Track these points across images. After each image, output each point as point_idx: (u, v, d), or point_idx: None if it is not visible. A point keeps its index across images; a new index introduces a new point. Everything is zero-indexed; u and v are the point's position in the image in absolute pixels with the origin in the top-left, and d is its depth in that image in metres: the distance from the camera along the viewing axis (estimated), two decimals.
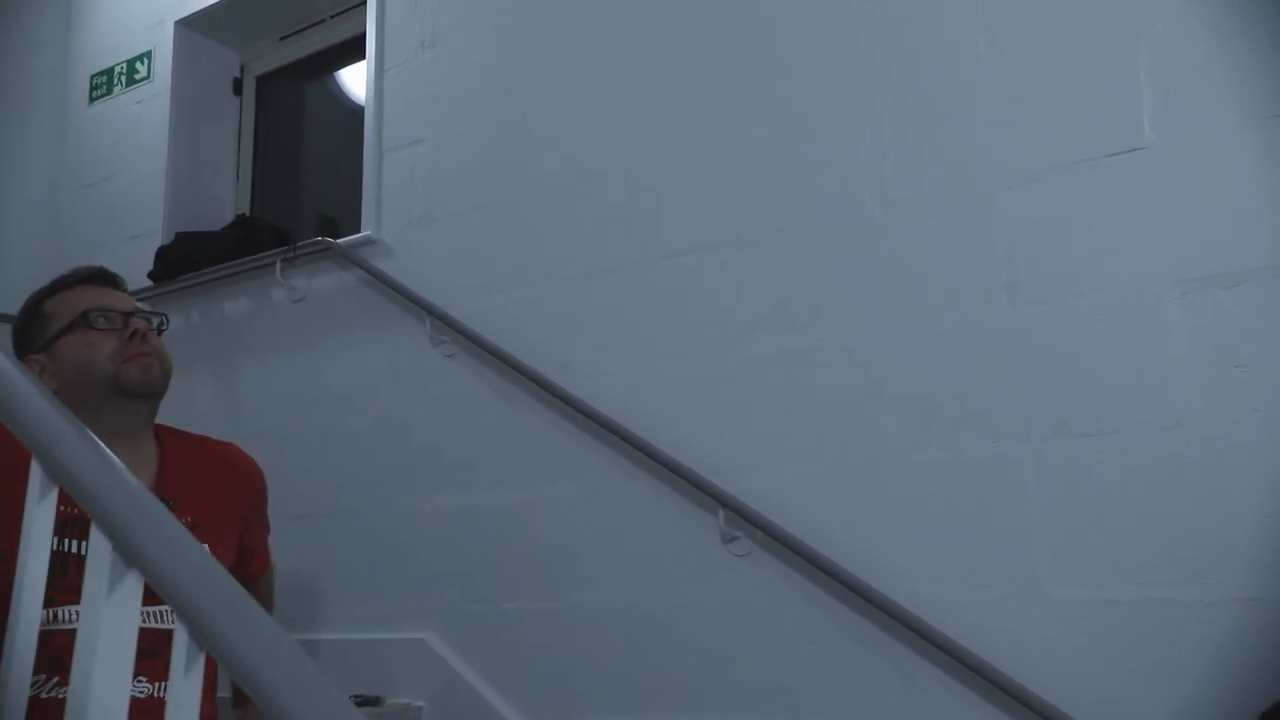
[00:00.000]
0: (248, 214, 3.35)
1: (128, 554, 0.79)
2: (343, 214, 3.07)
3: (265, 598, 1.87)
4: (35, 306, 1.57)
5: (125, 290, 1.64)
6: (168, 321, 1.63)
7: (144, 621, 1.49)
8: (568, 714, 2.19)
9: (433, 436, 2.53)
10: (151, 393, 1.56)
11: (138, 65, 3.53)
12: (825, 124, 2.12)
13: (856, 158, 2.06)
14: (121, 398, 1.52)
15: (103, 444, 0.88)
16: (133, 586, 0.79)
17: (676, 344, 2.23)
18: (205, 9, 3.38)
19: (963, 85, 1.98)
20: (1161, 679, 1.61)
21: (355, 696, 2.36)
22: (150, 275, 3.09)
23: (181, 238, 3.13)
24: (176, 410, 2.93)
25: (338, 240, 2.78)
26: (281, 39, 3.48)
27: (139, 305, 1.60)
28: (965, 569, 1.82)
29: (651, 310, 2.28)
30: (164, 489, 1.55)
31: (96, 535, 0.81)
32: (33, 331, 1.55)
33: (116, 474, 0.82)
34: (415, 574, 2.48)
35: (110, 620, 0.79)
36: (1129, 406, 1.72)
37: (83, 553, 1.44)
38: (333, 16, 3.33)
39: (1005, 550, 1.79)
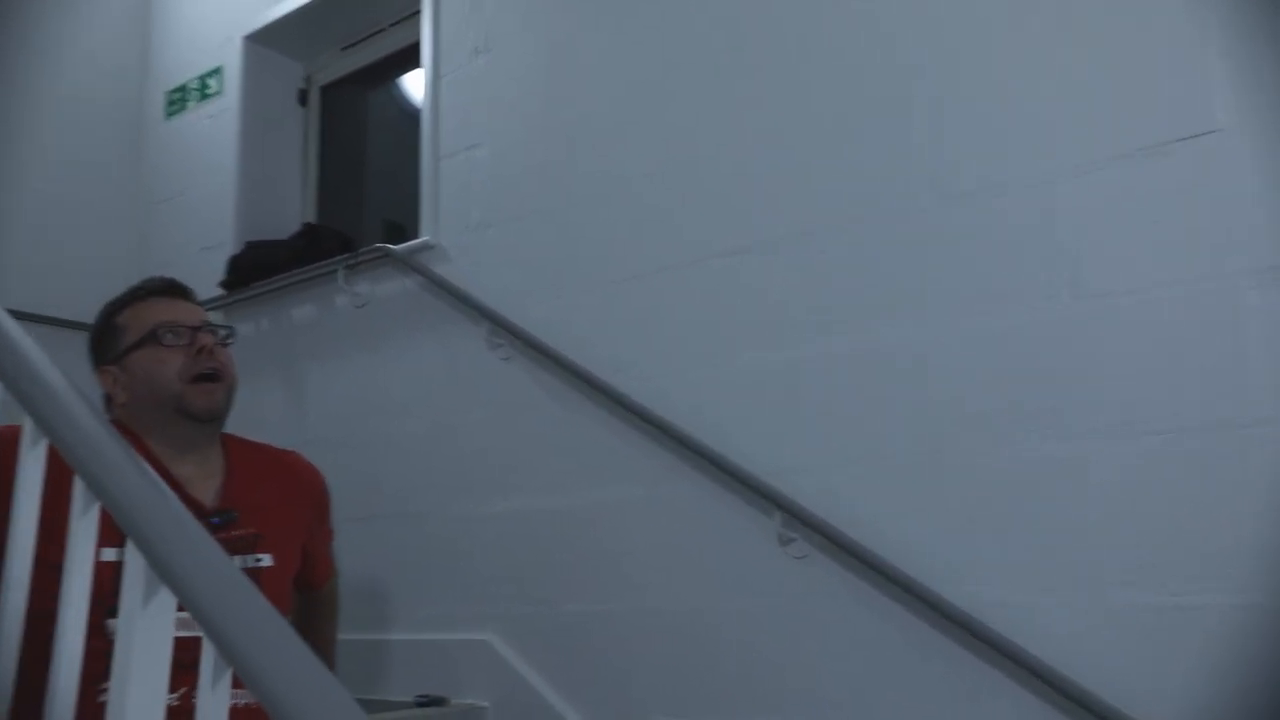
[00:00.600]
0: (314, 222, 3.42)
1: (161, 571, 0.80)
2: (408, 219, 3.12)
3: (330, 603, 1.90)
4: (109, 319, 1.61)
5: (195, 301, 1.68)
6: (234, 334, 1.67)
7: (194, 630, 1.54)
8: (628, 716, 2.19)
9: (491, 440, 2.56)
10: (215, 418, 1.60)
11: (209, 81, 3.64)
12: (875, 116, 2.07)
13: (909, 150, 2.01)
14: (186, 417, 1.57)
15: (143, 462, 0.90)
16: (166, 601, 0.81)
17: (729, 344, 2.20)
18: (271, 23, 3.47)
19: (1020, 69, 1.91)
20: (1231, 689, 1.53)
21: (421, 696, 2.40)
22: (221, 284, 3.18)
23: (251, 247, 3.22)
24: (247, 417, 3.01)
25: (397, 246, 2.82)
26: (344, 49, 3.55)
27: (207, 318, 1.64)
28: (1028, 573, 1.76)
29: (704, 310, 2.26)
30: (229, 500, 1.59)
31: (132, 551, 0.83)
32: (106, 343, 1.59)
33: (151, 493, 0.84)
34: (477, 576, 2.51)
35: (145, 632, 0.81)
36: (1201, 404, 1.64)
37: None
38: (391, 25, 3.38)
39: (1069, 553, 1.73)
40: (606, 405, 2.33)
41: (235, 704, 1.38)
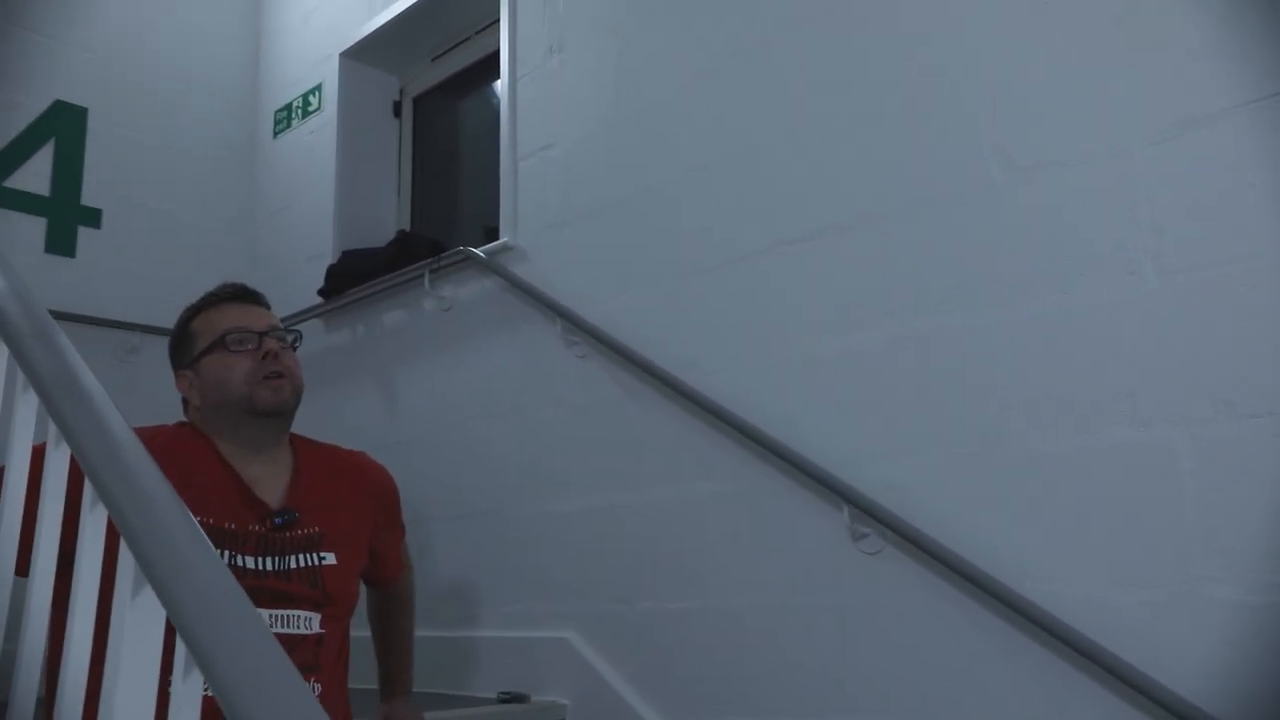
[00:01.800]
0: (408, 229, 3.52)
1: (146, 570, 0.83)
2: (497, 221, 3.17)
3: (404, 599, 1.93)
4: (185, 325, 1.67)
5: (265, 305, 1.72)
6: (301, 338, 1.71)
7: (271, 626, 1.59)
8: (703, 715, 2.16)
9: (569, 437, 2.56)
10: (282, 412, 1.65)
11: (310, 98, 3.80)
12: (939, 92, 1.97)
13: (976, 124, 1.90)
14: (255, 417, 1.62)
15: (152, 465, 0.92)
16: (150, 598, 0.83)
17: (796, 333, 2.14)
18: (365, 39, 3.59)
19: (1091, 33, 1.77)
20: None
21: (504, 693, 2.43)
22: (319, 292, 3.31)
23: (346, 255, 3.34)
24: (343, 420, 3.14)
25: (477, 249, 2.87)
26: (433, 60, 3.64)
27: (275, 322, 1.69)
28: (1113, 568, 1.64)
29: (772, 301, 2.20)
30: (295, 500, 1.64)
31: (124, 548, 0.86)
32: (182, 349, 1.66)
33: (143, 496, 0.87)
34: (556, 574, 2.52)
35: (133, 626, 0.84)
36: None
37: (238, 564, 1.56)
38: (476, 33, 3.45)
39: (1158, 546, 1.59)
40: (677, 400, 2.31)
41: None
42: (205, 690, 0.81)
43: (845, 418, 2.02)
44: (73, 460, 1.01)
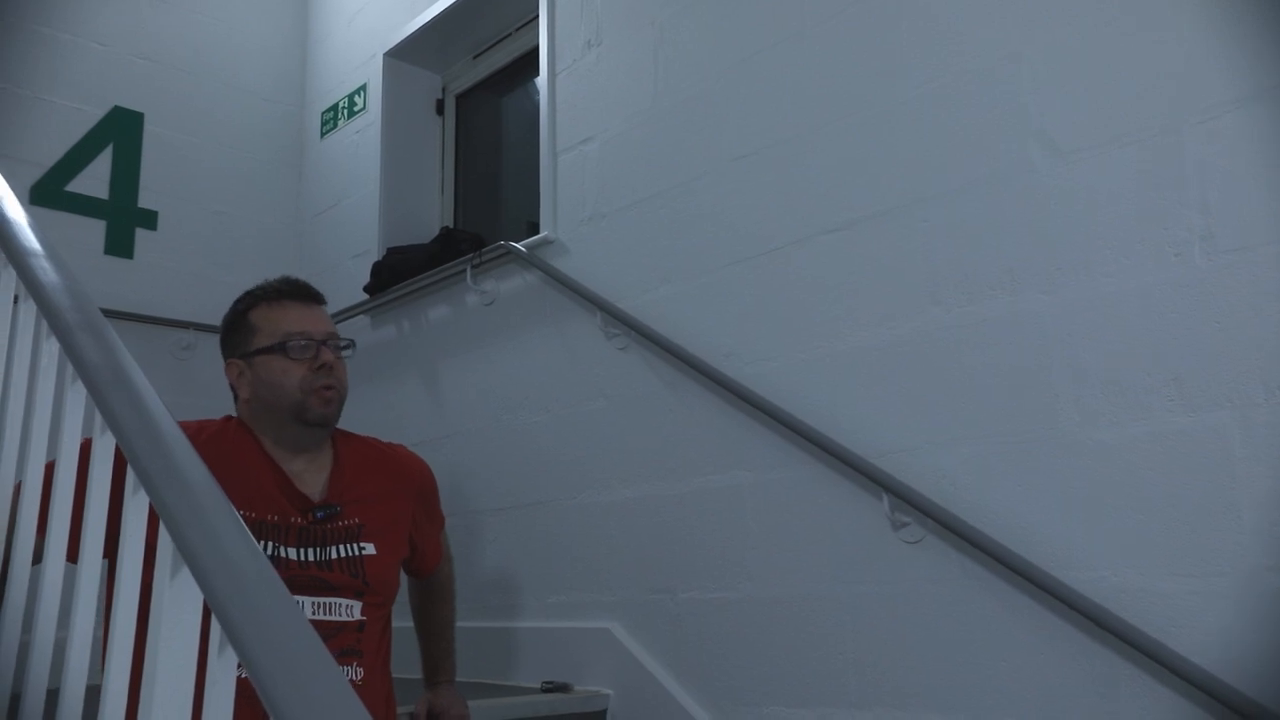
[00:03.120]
0: (451, 225, 3.56)
1: (184, 552, 0.85)
2: (539, 217, 3.19)
3: (444, 588, 1.96)
4: (243, 313, 1.69)
5: (323, 303, 1.75)
6: (354, 347, 1.74)
7: (313, 614, 1.63)
8: (744, 705, 2.15)
9: (610, 429, 2.57)
10: (328, 424, 1.69)
11: (355, 98, 3.86)
12: (978, 75, 1.94)
13: (1017, 107, 1.87)
14: (302, 424, 1.65)
15: (191, 452, 0.95)
16: (188, 579, 0.86)
17: (836, 323, 2.12)
18: (407, 39, 3.63)
19: (1135, 10, 1.73)
20: None
21: (547, 683, 2.45)
22: (365, 289, 3.37)
23: (391, 252, 3.39)
24: (390, 414, 3.19)
25: (518, 243, 2.89)
26: (474, 57, 3.67)
27: (332, 327, 1.72)
28: (1162, 556, 1.60)
29: (811, 290, 2.19)
30: (335, 493, 1.68)
31: (164, 531, 0.88)
32: (237, 338, 1.68)
33: (182, 481, 0.89)
34: (598, 564, 2.54)
35: (171, 607, 0.86)
36: None
37: (280, 555, 1.60)
38: (516, 29, 3.47)
39: (1210, 534, 1.55)
40: (717, 391, 2.30)
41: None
42: (240, 672, 0.83)
43: (887, 407, 2.00)
44: (117, 450, 1.04)
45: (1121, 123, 1.73)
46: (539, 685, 2.45)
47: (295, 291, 1.71)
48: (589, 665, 2.46)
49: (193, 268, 3.60)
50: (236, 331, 1.69)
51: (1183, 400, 1.61)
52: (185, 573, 0.86)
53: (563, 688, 2.43)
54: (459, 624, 1.95)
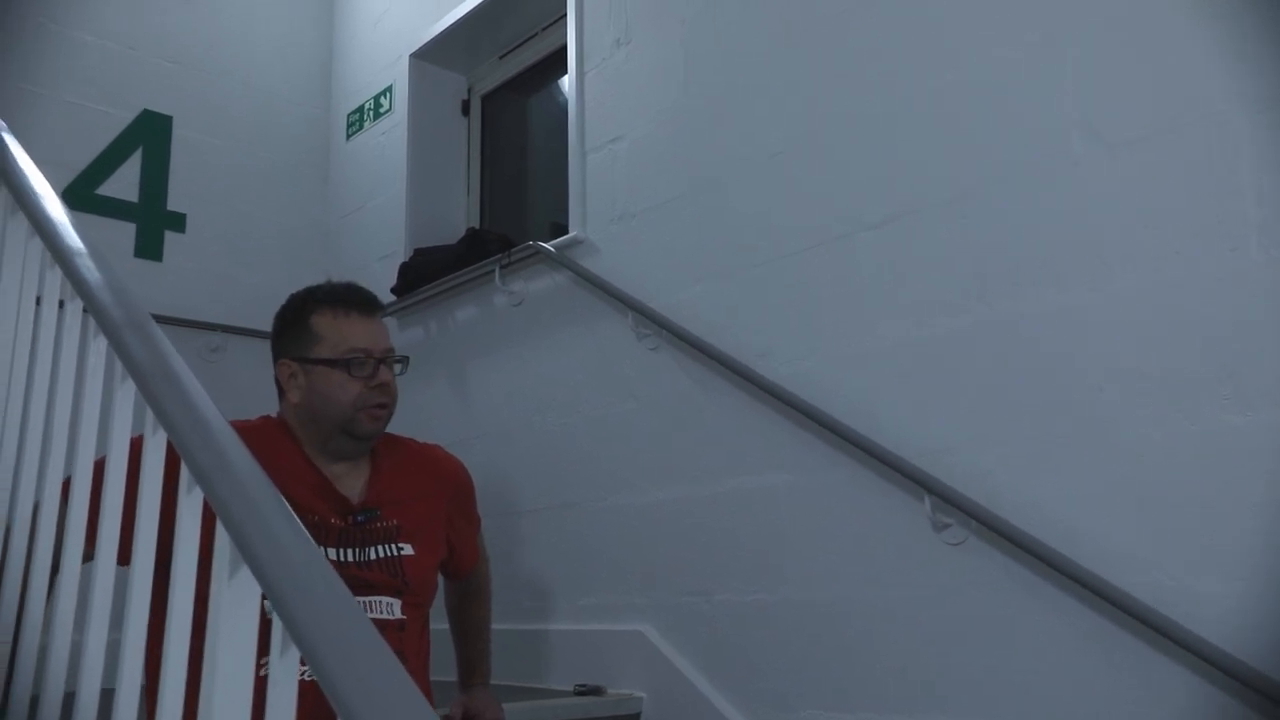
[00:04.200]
0: (478, 226, 3.56)
1: (242, 550, 0.84)
2: (566, 218, 3.18)
3: (480, 588, 1.95)
4: (306, 316, 1.67)
5: (382, 311, 1.75)
6: (408, 365, 1.73)
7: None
8: (781, 709, 2.13)
9: (642, 430, 2.56)
10: (375, 437, 1.69)
11: (381, 100, 3.86)
12: (1018, 65, 1.91)
13: (1059, 97, 1.84)
14: (349, 437, 1.65)
15: (244, 452, 0.94)
16: (247, 577, 0.85)
17: (873, 321, 2.10)
18: (433, 40, 3.63)
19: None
20: None
21: (580, 686, 2.44)
22: (392, 290, 3.36)
23: (419, 253, 3.38)
24: (419, 416, 3.18)
25: (546, 243, 2.88)
26: (501, 57, 3.67)
27: (390, 344, 1.70)
28: (1216, 558, 1.57)
29: (848, 288, 2.16)
30: (373, 495, 1.68)
31: (220, 530, 0.88)
32: (296, 339, 1.67)
33: (237, 478, 0.88)
34: (630, 566, 2.52)
35: (230, 605, 0.85)
36: None
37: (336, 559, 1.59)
38: (543, 29, 3.46)
39: (1266, 535, 1.52)
40: (750, 391, 2.28)
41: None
42: (302, 674, 0.82)
43: (927, 406, 1.98)
44: (167, 449, 1.04)
45: (1171, 112, 1.70)
46: (571, 688, 2.44)
47: (361, 302, 1.69)
48: (622, 668, 2.44)
49: (220, 270, 3.61)
50: (296, 333, 1.67)
51: (1238, 398, 1.58)
52: (244, 571, 0.85)
53: (596, 690, 2.41)
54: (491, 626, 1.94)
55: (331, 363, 1.63)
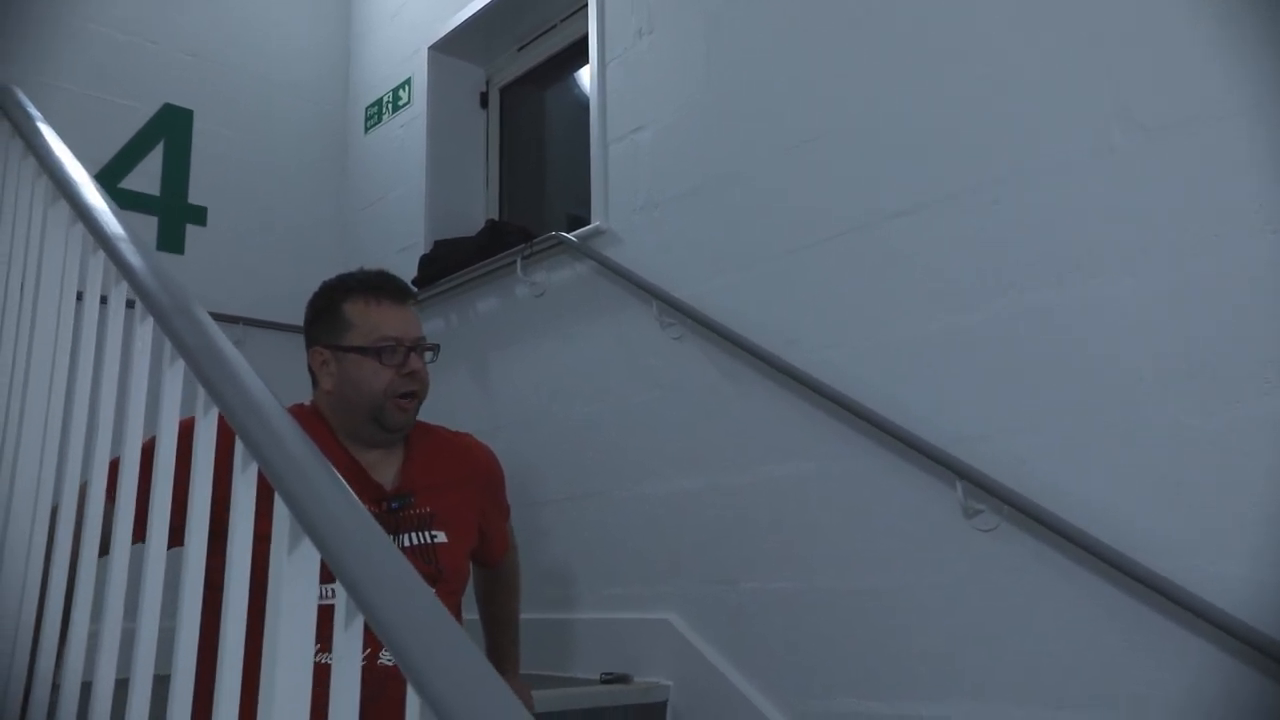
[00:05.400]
0: (497, 218, 3.56)
1: (304, 523, 0.85)
2: (588, 210, 3.18)
3: (510, 577, 1.96)
4: (338, 304, 1.67)
5: (416, 301, 1.76)
6: (438, 353, 1.73)
7: None
8: (811, 697, 2.13)
9: (667, 419, 2.56)
10: (405, 428, 1.69)
11: (400, 92, 3.87)
12: (1031, 57, 1.91)
13: (1096, 84, 1.83)
14: (378, 425, 1.66)
15: (295, 428, 0.95)
16: (309, 551, 0.85)
17: (902, 309, 2.10)
18: (452, 31, 3.64)
19: None
20: None
21: (606, 674, 2.44)
22: (413, 282, 3.37)
23: (439, 245, 3.39)
24: (441, 407, 3.16)
25: (569, 234, 2.88)
26: (519, 49, 3.67)
27: (421, 332, 1.71)
28: (1259, 546, 1.56)
29: (875, 276, 2.16)
30: (407, 481, 1.68)
31: (280, 504, 0.88)
32: (328, 326, 1.67)
33: (295, 456, 0.89)
34: (656, 555, 2.52)
35: (291, 580, 0.86)
36: None
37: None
38: (562, 20, 3.46)
39: None
40: (778, 379, 2.28)
41: (388, 665, 1.45)
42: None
43: (958, 393, 1.97)
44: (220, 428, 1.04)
45: (1211, 98, 1.69)
46: (598, 677, 2.44)
47: (393, 290, 1.70)
48: (648, 657, 2.44)
49: (241, 263, 3.62)
50: (328, 320, 1.68)
51: (1275, 383, 1.57)
52: (306, 544, 0.85)
53: (622, 679, 2.41)
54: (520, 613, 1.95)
55: (363, 350, 1.64)
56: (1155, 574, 1.62)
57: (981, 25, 2.04)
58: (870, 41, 2.25)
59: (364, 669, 0.83)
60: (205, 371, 1.03)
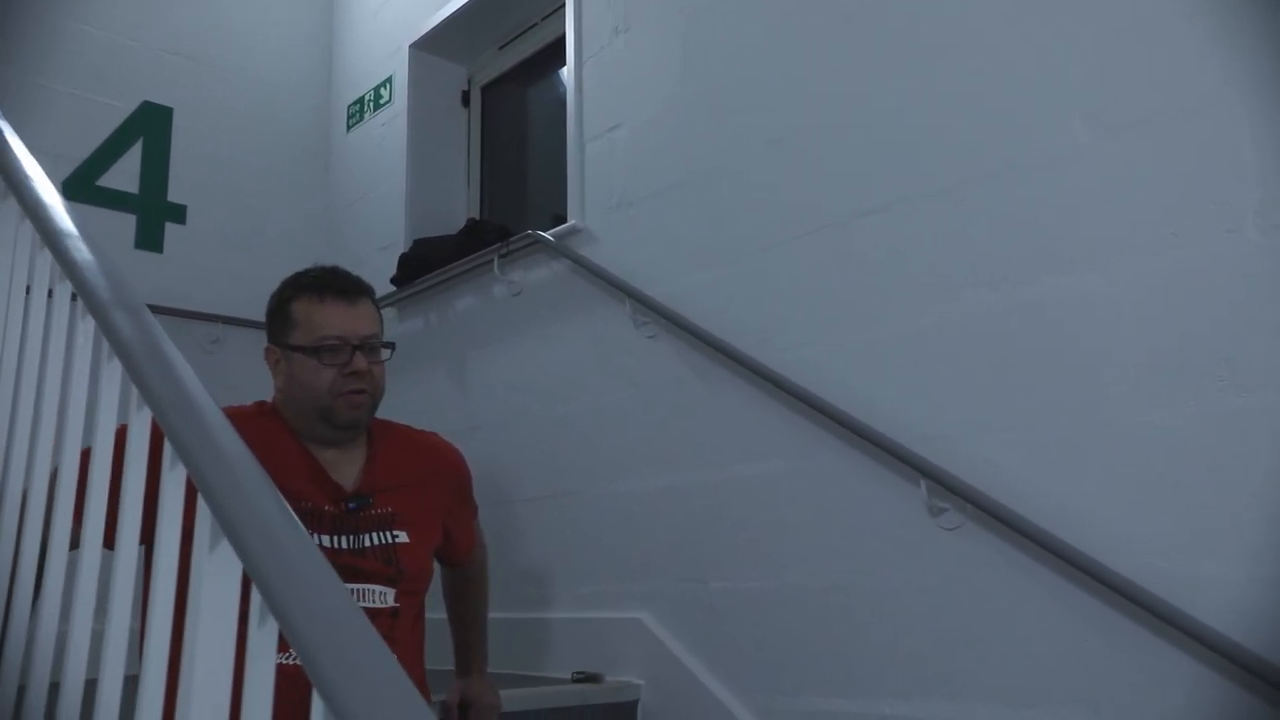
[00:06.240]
0: (479, 216, 3.55)
1: (222, 524, 0.84)
2: (565, 208, 3.17)
3: (477, 577, 1.94)
4: (286, 302, 1.65)
5: (368, 296, 1.68)
6: (394, 351, 1.69)
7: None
8: (780, 694, 2.13)
9: (641, 418, 2.55)
10: (357, 426, 1.66)
11: (381, 91, 3.86)
12: (1021, 51, 1.90)
13: (1061, 83, 1.82)
14: (329, 424, 1.64)
15: (226, 427, 0.94)
16: (227, 551, 0.84)
17: (874, 308, 2.09)
18: (433, 30, 3.63)
19: None
20: None
21: (578, 673, 2.43)
22: (392, 280, 3.36)
23: (418, 244, 3.38)
24: (418, 406, 3.18)
25: (545, 232, 2.87)
26: (500, 48, 3.66)
27: (374, 328, 1.66)
28: (1218, 542, 1.55)
29: (847, 274, 2.15)
30: (368, 482, 1.66)
31: (201, 504, 0.87)
32: (279, 325, 1.66)
33: (219, 455, 0.88)
34: (629, 554, 2.51)
35: (210, 578, 0.85)
36: None
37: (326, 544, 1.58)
38: (543, 19, 3.45)
39: (1265, 519, 1.51)
40: (748, 378, 2.28)
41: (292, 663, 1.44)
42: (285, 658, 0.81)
43: (927, 392, 1.97)
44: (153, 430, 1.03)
45: (1171, 95, 1.69)
46: (569, 675, 2.43)
47: (338, 289, 1.65)
48: (620, 656, 2.43)
49: (221, 261, 3.61)
50: (279, 319, 1.67)
51: (1235, 381, 1.56)
52: (224, 544, 0.84)
53: (593, 678, 2.41)
54: (490, 614, 1.93)
55: (304, 349, 1.62)
56: (1114, 572, 1.62)
57: (971, 19, 2.03)
58: (845, 41, 2.24)
59: (298, 670, 0.82)
60: (138, 368, 1.02)
